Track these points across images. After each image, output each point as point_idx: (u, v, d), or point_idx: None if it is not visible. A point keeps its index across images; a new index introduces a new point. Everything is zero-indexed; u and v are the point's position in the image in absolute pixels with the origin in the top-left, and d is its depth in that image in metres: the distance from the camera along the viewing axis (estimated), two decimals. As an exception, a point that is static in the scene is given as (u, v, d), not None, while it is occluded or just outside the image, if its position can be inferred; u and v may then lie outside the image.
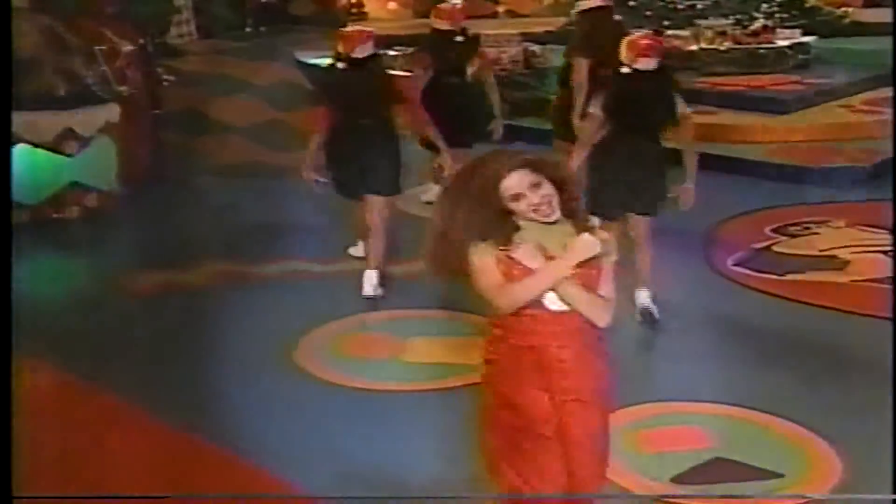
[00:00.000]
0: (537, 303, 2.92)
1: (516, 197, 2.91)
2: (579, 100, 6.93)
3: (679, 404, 4.52)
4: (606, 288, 2.96)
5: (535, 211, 2.91)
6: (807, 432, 4.24)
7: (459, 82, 7.30)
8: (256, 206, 7.66)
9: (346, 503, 3.95)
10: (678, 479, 3.93)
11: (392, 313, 5.63)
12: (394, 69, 7.24)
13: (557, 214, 2.94)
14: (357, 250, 6.37)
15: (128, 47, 8.34)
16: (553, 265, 2.88)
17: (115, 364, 5.02)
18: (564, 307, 2.92)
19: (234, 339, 5.35)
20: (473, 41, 7.48)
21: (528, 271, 2.90)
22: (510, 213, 2.95)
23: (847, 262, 6.00)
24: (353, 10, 14.18)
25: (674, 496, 3.87)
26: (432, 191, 7.33)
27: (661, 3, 12.28)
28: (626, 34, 5.75)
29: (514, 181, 2.91)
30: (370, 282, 5.84)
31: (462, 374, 4.73)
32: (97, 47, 7.89)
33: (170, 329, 5.53)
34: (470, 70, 7.34)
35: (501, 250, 2.92)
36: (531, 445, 3.03)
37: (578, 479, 3.03)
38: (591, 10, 7.43)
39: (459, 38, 7.31)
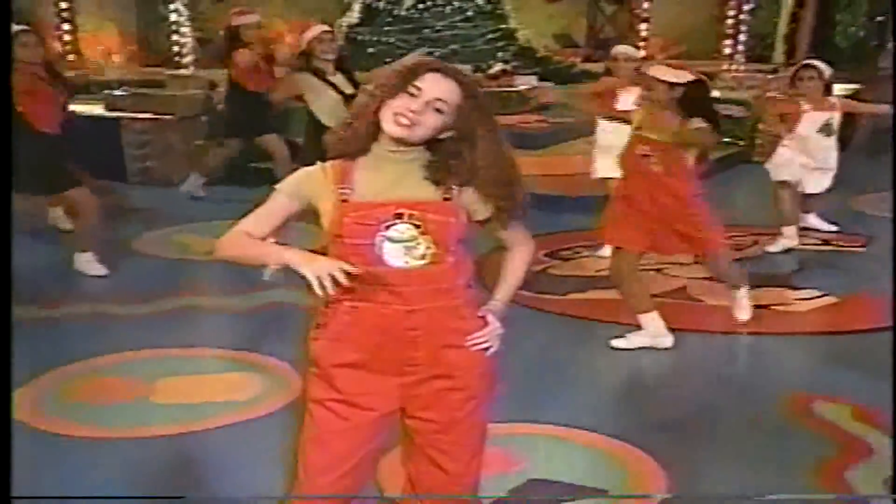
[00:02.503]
0: (373, 256, 2.31)
1: (413, 92, 2.29)
2: None
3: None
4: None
5: (398, 115, 2.28)
6: (620, 444, 3.85)
7: None
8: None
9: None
10: (499, 505, 3.45)
11: (137, 353, 4.84)
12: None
13: (415, 136, 2.32)
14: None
15: None
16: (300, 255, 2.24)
17: None
18: (414, 262, 2.32)
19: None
20: None
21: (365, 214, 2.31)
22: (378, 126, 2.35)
23: (624, 281, 5.81)
24: (70, 59, 13.18)
25: None
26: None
27: (391, 45, 12.24)
28: None
29: (435, 83, 2.32)
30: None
31: (217, 413, 4.15)
32: None
33: None
34: None
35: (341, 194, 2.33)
36: (331, 427, 2.40)
37: (451, 474, 2.49)
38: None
39: None
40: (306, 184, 2.39)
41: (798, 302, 5.71)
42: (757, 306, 5.38)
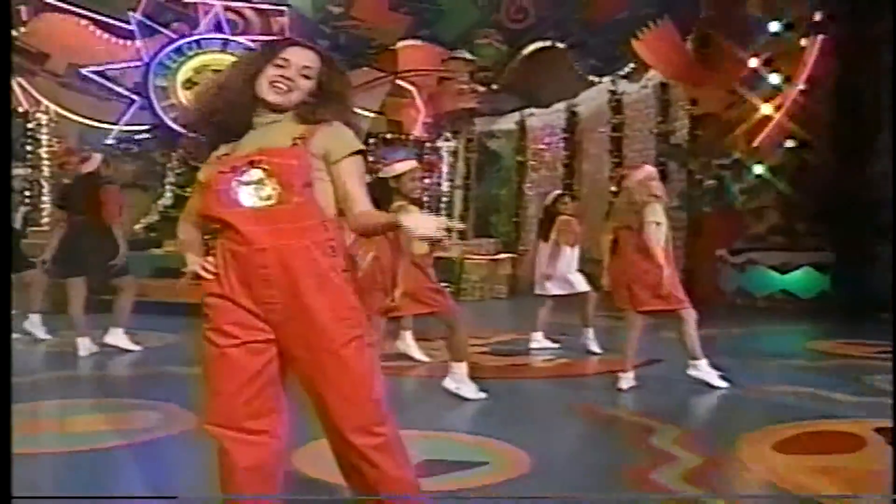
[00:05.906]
0: (230, 199, 2.35)
1: (281, 64, 2.42)
2: None
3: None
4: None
5: (274, 83, 2.40)
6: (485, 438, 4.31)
7: None
8: None
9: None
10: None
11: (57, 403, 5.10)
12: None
13: (291, 101, 2.44)
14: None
15: None
16: None
17: None
18: (261, 203, 2.34)
19: None
20: None
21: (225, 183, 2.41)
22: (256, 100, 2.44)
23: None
24: None
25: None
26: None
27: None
28: None
29: (298, 53, 2.44)
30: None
31: (127, 437, 4.31)
32: None
33: None
34: None
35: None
36: (215, 366, 2.41)
37: (349, 430, 2.42)
38: None
39: None
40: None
41: (542, 362, 6.98)
42: (517, 365, 6.84)
